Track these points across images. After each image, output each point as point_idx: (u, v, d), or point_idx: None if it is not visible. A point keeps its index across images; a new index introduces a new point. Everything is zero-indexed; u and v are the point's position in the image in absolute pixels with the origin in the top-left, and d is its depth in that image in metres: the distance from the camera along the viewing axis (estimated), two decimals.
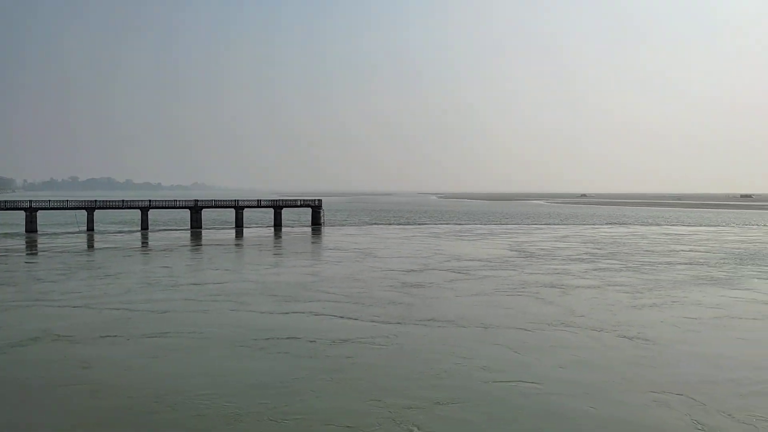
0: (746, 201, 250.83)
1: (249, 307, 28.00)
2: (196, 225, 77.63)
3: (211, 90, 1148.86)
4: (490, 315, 26.25)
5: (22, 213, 72.73)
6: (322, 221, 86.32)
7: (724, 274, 39.66)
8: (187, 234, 71.97)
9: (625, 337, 22.33)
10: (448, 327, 23.98)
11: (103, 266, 42.80)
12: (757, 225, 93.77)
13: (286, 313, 26.82)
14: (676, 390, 16.18)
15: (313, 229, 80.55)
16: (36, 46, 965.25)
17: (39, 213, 73.13)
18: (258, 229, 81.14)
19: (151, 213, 79.69)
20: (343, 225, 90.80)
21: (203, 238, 66.97)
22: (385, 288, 33.42)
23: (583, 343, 21.48)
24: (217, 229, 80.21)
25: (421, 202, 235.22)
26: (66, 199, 79.16)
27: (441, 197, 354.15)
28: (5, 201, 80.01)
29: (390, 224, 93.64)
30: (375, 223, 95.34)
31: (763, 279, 37.80)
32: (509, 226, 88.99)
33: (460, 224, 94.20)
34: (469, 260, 46.63)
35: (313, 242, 65.85)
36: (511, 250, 54.51)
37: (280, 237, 70.22)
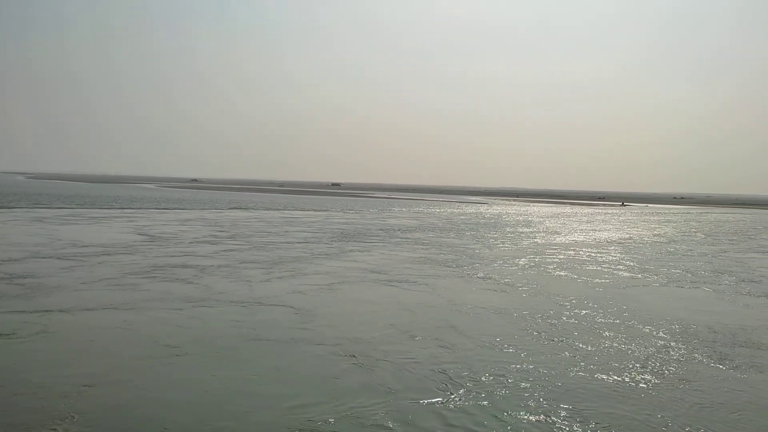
0: (336, 189, 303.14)
1: None
2: None
3: None
4: (131, 299, 25.95)
5: None
6: None
7: (335, 249, 47.50)
8: None
9: (268, 305, 25.38)
10: (93, 312, 22.92)
11: None
12: (354, 210, 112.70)
13: None
14: (333, 343, 19.83)
15: None
16: None
17: None
18: None
19: None
20: None
21: None
22: None
23: (233, 316, 23.54)
24: None
25: (5, 182, 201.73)
26: None
27: (31, 177, 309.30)
28: None
29: None
30: None
31: (362, 252, 46.77)
32: (126, 210, 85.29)
33: (68, 208, 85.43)
34: (88, 246, 43.70)
35: None
36: (135, 234, 53.08)
37: None
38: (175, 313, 23.39)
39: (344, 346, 19.57)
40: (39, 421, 13.09)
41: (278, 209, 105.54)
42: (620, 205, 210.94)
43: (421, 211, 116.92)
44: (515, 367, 18.02)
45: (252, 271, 34.75)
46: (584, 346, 20.46)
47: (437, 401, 15.13)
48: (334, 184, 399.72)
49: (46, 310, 22.94)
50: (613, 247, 56.28)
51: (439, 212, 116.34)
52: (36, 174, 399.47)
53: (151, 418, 13.51)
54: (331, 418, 13.86)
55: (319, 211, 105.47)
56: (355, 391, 15.67)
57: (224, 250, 44.28)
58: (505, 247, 54.65)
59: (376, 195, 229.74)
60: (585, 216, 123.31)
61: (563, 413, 14.42)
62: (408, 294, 29.50)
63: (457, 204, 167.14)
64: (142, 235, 53.13)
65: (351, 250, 47.21)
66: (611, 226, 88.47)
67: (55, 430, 12.64)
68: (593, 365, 18.33)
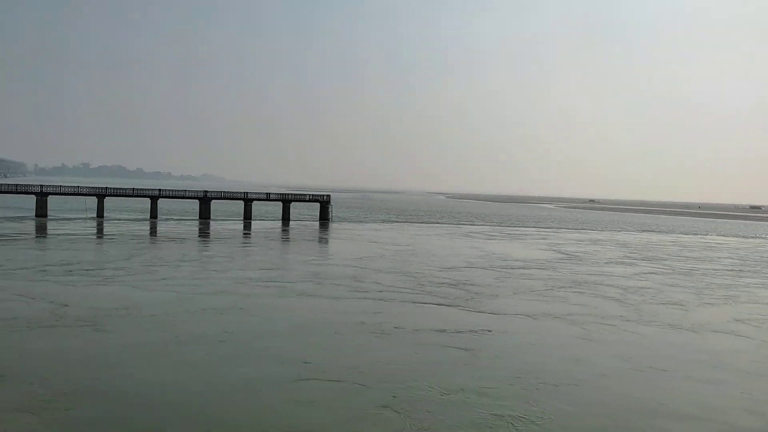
0: (756, 213, 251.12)
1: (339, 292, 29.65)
2: (204, 216, 79.05)
3: (223, 83, 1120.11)
4: (564, 310, 28.14)
5: (33, 197, 74.09)
6: (330, 217, 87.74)
7: None
8: (198, 225, 73.04)
9: (713, 332, 24.19)
10: (535, 320, 25.81)
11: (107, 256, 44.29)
12: None
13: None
14: None
15: (321, 224, 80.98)
16: (41, 31, 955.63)
17: (50, 198, 74.45)
18: (266, 222, 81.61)
19: (161, 202, 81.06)
20: (355, 221, 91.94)
21: (214, 228, 68.23)
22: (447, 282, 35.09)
23: (678, 339, 23.26)
24: (226, 220, 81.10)
25: (432, 202, 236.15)
26: (77, 185, 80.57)
27: (449, 197, 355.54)
28: (16, 184, 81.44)
29: (410, 222, 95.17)
30: (392, 221, 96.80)
31: None
32: (535, 229, 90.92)
33: (486, 225, 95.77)
34: (511, 260, 48.51)
35: (340, 237, 67.11)
36: (549, 251, 56.48)
37: (315, 230, 71.56)
38: (610, 329, 24.36)
39: None
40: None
41: (694, 233, 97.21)
42: None
43: None
44: None
45: (680, 295, 33.35)
46: None
47: None
48: (752, 207, 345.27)
49: (498, 314, 26.71)
50: None
51: None
52: (453, 194, 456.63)
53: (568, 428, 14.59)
54: None
55: (745, 237, 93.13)
56: None
57: (642, 272, 43.43)
58: None
59: None
60: None
61: None
62: None
63: None
64: (556, 252, 56.12)
65: None
66: None
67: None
68: None
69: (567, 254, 54.66)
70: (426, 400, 15.43)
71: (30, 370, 16.69)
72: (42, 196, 73.10)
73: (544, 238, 72.66)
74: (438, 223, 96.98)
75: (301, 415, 14.38)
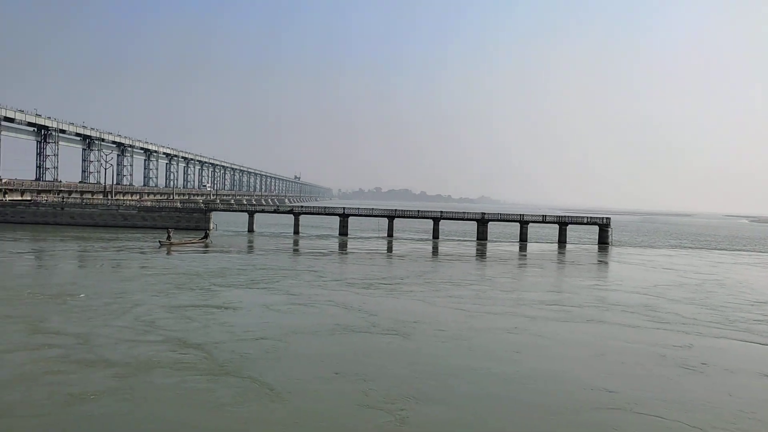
0: None
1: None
2: (482, 237, 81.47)
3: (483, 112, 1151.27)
4: None
5: (337, 218, 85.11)
6: (609, 240, 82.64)
7: None
8: (476, 246, 75.14)
9: None
10: None
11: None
12: None
13: None
14: None
15: (600, 248, 77.10)
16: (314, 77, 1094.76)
17: (350, 218, 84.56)
18: (542, 244, 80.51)
19: (442, 224, 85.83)
20: (639, 246, 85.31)
21: (490, 249, 69.45)
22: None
23: None
24: (502, 242, 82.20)
25: (732, 226, 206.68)
26: (372, 207, 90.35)
27: (753, 221, 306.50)
28: (324, 207, 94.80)
29: (708, 249, 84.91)
30: (686, 246, 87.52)
31: None
32: None
33: None
34: None
35: (630, 264, 63.13)
36: None
37: (595, 254, 69.01)
38: None
39: None
40: None
41: None
42: None
43: None
44: None
45: None
46: None
47: None
48: None
49: None
50: None
51: None
52: (759, 218, 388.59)
53: None
54: None
55: None
56: None
57: None
58: None
59: None
60: None
61: None
62: None
63: None
64: None
65: None
66: None
67: None
68: None
69: None
70: None
71: (359, 370, 19.27)
72: (344, 217, 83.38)
73: None
74: (744, 250, 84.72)
75: None
